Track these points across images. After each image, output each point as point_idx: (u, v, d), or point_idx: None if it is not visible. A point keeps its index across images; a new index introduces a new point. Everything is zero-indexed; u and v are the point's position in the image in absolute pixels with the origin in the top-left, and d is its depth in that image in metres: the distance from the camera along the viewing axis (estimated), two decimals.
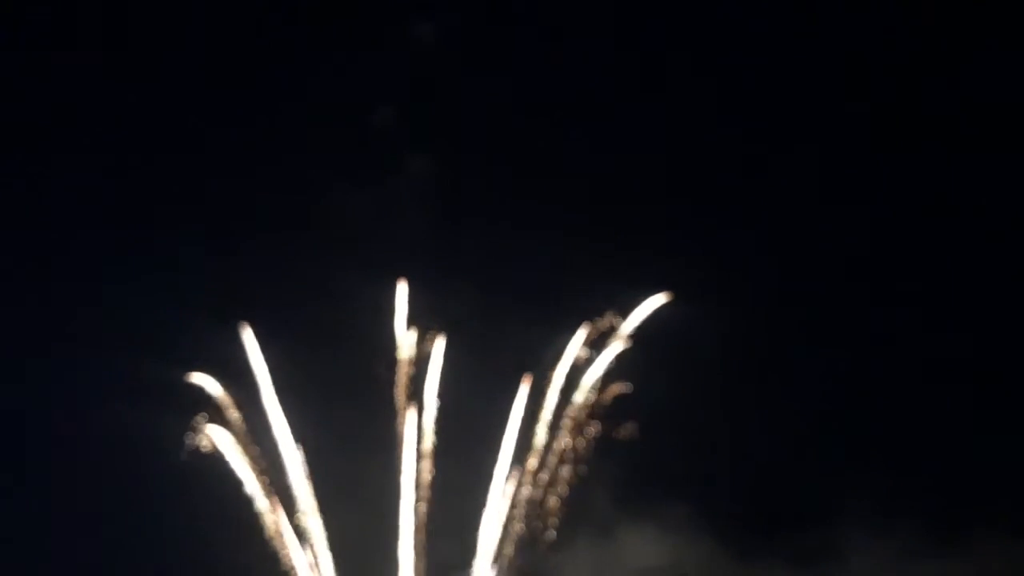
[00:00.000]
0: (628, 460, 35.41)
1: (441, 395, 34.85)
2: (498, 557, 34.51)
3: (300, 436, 34.06)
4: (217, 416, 33.71)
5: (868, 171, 39.60)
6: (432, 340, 34.67)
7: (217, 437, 33.72)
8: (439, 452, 34.72)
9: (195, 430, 33.36)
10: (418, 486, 34.15)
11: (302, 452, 33.84)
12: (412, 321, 35.04)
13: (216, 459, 33.59)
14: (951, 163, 38.49)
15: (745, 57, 39.63)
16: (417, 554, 34.09)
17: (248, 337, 34.43)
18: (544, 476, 34.52)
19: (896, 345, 38.31)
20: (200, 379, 33.82)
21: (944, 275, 38.22)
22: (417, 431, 34.33)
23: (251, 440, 33.92)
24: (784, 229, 39.16)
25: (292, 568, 33.72)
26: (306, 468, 33.99)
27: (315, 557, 33.82)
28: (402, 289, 34.99)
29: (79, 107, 37.01)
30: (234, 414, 33.85)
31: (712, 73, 39.74)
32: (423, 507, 34.13)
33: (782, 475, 36.66)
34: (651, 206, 38.20)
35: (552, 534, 34.53)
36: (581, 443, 34.53)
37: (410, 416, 34.33)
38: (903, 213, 38.77)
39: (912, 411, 37.53)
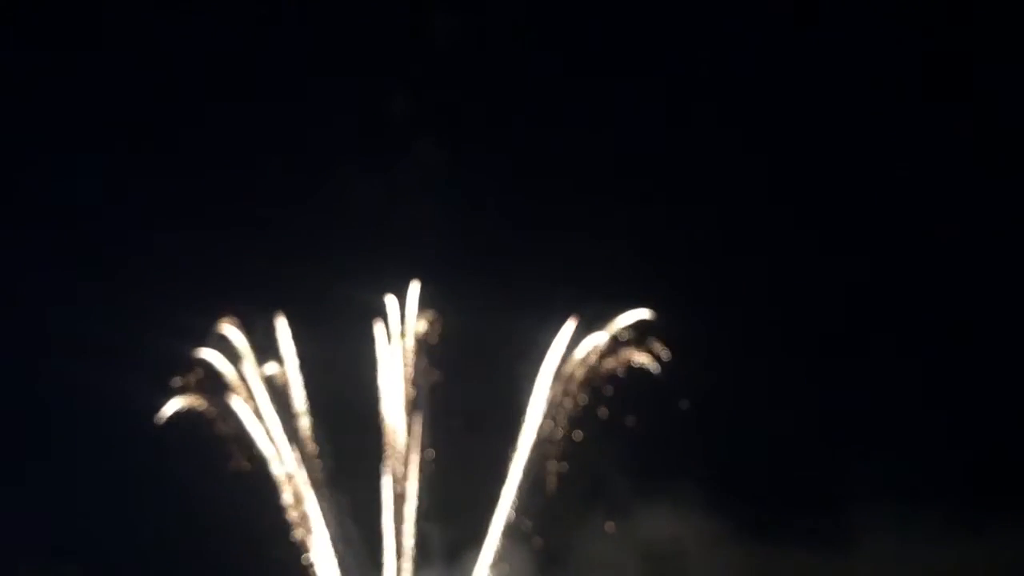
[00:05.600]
0: (644, 438, 35.73)
1: (447, 379, 36.07)
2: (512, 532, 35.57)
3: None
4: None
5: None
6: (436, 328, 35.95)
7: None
8: (448, 434, 35.92)
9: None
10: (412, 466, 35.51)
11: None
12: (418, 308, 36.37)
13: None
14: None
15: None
16: (421, 530, 35.43)
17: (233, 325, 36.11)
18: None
19: (916, 329, 37.88)
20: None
21: (959, 260, 37.67)
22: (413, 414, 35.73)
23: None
24: (812, 213, 38.96)
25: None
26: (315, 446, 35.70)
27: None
28: (413, 287, 36.17)
29: (89, 98, 38.45)
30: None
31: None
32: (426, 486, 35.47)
33: (799, 457, 36.45)
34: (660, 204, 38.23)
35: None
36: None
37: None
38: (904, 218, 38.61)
39: (932, 396, 36.88)
